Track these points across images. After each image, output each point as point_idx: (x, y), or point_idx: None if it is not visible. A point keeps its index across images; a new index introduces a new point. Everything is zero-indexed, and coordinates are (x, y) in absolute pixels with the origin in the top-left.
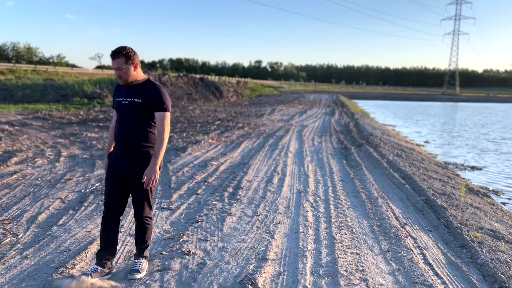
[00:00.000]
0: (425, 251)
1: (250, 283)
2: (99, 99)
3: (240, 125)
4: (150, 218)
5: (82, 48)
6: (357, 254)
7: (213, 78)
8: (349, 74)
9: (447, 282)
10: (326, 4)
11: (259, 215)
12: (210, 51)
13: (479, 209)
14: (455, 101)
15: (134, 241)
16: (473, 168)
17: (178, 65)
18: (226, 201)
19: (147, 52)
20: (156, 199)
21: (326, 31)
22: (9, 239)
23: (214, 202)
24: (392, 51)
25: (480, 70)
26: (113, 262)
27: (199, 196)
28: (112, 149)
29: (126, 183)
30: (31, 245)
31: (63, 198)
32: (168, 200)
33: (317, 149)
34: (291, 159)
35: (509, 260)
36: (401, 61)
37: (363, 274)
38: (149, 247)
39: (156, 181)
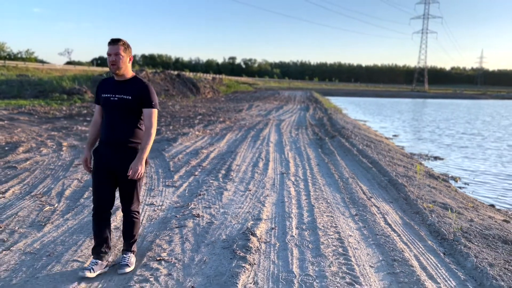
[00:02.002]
0: (386, 216)
1: (250, 233)
2: (79, 95)
3: (221, 119)
4: (138, 213)
5: (50, 43)
6: (332, 216)
7: (188, 74)
8: (322, 71)
9: (401, 235)
10: (298, 2)
11: (250, 190)
12: (183, 47)
13: (435, 189)
14: (423, 97)
15: (122, 234)
16: (436, 158)
17: (150, 61)
18: (221, 180)
19: None
20: (160, 179)
21: (299, 29)
22: (48, 207)
23: (211, 181)
24: (364, 48)
25: (448, 67)
26: (110, 256)
27: (197, 176)
28: (94, 144)
29: (114, 178)
30: (68, 211)
31: (79, 178)
32: (171, 180)
33: (295, 140)
34: (273, 148)
35: (452, 223)
36: (372, 58)
37: (336, 229)
38: (136, 242)
39: (140, 174)
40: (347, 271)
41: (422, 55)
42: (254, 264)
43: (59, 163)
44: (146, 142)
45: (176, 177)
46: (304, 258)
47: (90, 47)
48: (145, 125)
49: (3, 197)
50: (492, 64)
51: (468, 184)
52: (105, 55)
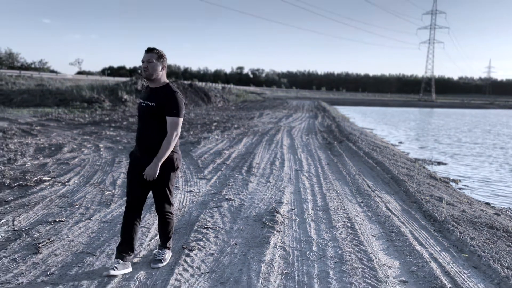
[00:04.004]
0: (387, 204)
1: (275, 212)
2: (98, 103)
3: (235, 126)
4: (171, 213)
5: (60, 53)
6: (341, 202)
7: (200, 84)
8: (329, 80)
9: (399, 217)
10: (305, 14)
11: (271, 182)
12: (190, 57)
13: (434, 187)
14: (431, 107)
15: (158, 233)
16: (439, 163)
17: None
18: (245, 174)
19: (126, 58)
20: (193, 173)
21: (306, 39)
22: (108, 192)
23: (236, 175)
24: (371, 58)
25: (455, 77)
26: (131, 258)
27: (223, 171)
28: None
29: (146, 181)
30: (124, 195)
31: (125, 172)
32: (202, 174)
33: (306, 144)
34: (286, 150)
35: (444, 210)
36: (380, 68)
37: (344, 211)
38: (171, 239)
39: (153, 178)
40: (354, 237)
41: (429, 64)
42: (281, 231)
43: (103, 161)
44: (163, 148)
45: (206, 172)
46: (319, 228)
47: (99, 57)
48: (167, 132)
49: (68, 184)
50: (501, 74)
51: (467, 186)
52: (115, 65)
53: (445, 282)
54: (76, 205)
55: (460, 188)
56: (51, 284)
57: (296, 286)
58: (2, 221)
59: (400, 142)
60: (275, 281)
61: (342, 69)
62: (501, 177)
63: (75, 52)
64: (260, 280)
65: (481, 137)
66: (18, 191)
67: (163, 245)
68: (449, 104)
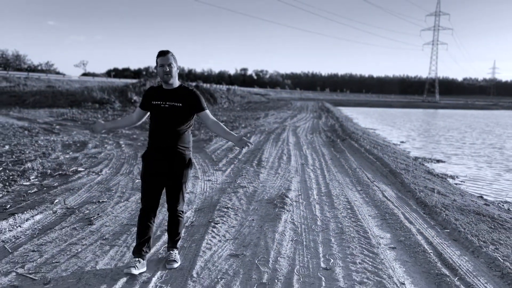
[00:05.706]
0: (384, 192)
1: (285, 196)
2: (109, 104)
3: (243, 125)
4: (183, 212)
5: (65, 54)
6: (342, 190)
7: (205, 86)
8: (333, 82)
9: (394, 202)
10: (309, 16)
11: (279, 174)
12: (194, 59)
13: (430, 180)
14: (434, 108)
15: (167, 233)
16: (438, 161)
17: None
18: (255, 167)
19: (131, 59)
20: (209, 166)
21: (310, 41)
22: (137, 180)
23: (248, 168)
24: (375, 60)
25: (459, 78)
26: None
27: (236, 165)
28: (116, 128)
29: (162, 181)
30: None
31: None
32: (217, 166)
33: (311, 141)
34: (292, 147)
35: (436, 199)
36: (384, 69)
37: (345, 196)
38: (181, 239)
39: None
40: (353, 216)
41: (433, 66)
42: (290, 211)
43: (127, 155)
44: (224, 128)
45: (220, 164)
46: (323, 209)
47: (104, 58)
48: (210, 122)
49: (101, 174)
50: (505, 75)
51: (464, 182)
52: (120, 67)
53: (427, 248)
54: (113, 190)
55: (456, 184)
56: (108, 245)
57: (304, 249)
58: (56, 201)
59: (402, 142)
60: (287, 245)
61: (346, 71)
62: (498, 175)
63: (81, 53)
64: (275, 244)
65: (480, 138)
66: (60, 179)
67: (173, 245)
68: (453, 105)
